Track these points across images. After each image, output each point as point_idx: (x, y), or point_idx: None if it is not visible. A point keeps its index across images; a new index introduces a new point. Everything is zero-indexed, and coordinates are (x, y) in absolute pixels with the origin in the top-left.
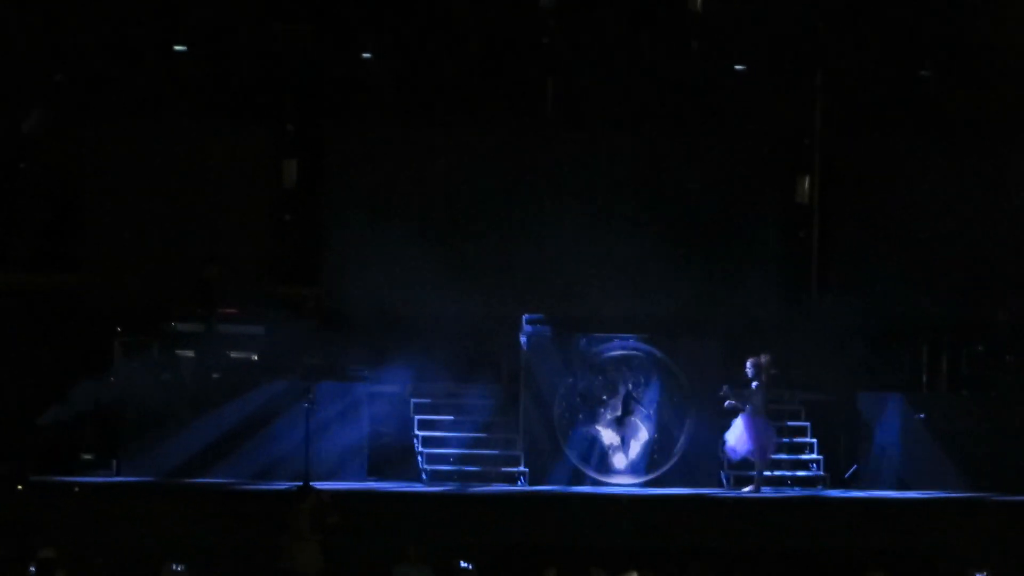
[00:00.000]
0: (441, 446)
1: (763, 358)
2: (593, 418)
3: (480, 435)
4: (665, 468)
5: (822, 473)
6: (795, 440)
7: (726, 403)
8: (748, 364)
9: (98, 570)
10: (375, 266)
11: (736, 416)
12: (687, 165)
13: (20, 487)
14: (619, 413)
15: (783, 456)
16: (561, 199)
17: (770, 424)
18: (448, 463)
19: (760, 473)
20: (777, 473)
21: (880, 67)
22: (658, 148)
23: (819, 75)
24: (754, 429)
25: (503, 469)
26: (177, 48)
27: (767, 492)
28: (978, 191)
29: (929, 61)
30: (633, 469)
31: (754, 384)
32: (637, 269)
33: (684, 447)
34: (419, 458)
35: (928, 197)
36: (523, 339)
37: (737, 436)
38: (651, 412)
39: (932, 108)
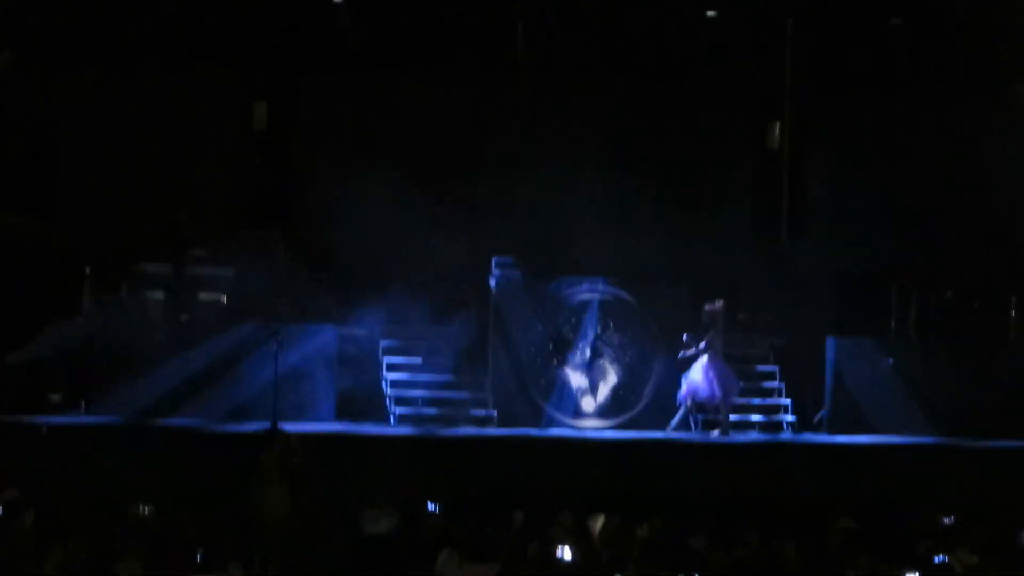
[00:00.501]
0: (409, 388)
1: (718, 303)
2: (562, 361)
3: (449, 378)
4: (634, 412)
5: (790, 418)
6: (763, 385)
7: (680, 353)
8: (704, 309)
9: (65, 511)
10: (346, 209)
11: (695, 361)
12: (658, 111)
13: None
14: (588, 356)
15: (751, 401)
16: (533, 145)
17: (730, 368)
18: (416, 406)
19: (726, 417)
20: (744, 418)
21: (851, 15)
22: (629, 94)
23: (790, 22)
24: (715, 373)
25: (471, 412)
26: None
27: (735, 437)
28: (949, 139)
29: (900, 10)
30: (601, 413)
31: (712, 329)
32: (608, 214)
33: (653, 391)
34: (387, 401)
35: (899, 144)
36: (492, 282)
37: (697, 379)
38: (620, 356)
39: (903, 57)
